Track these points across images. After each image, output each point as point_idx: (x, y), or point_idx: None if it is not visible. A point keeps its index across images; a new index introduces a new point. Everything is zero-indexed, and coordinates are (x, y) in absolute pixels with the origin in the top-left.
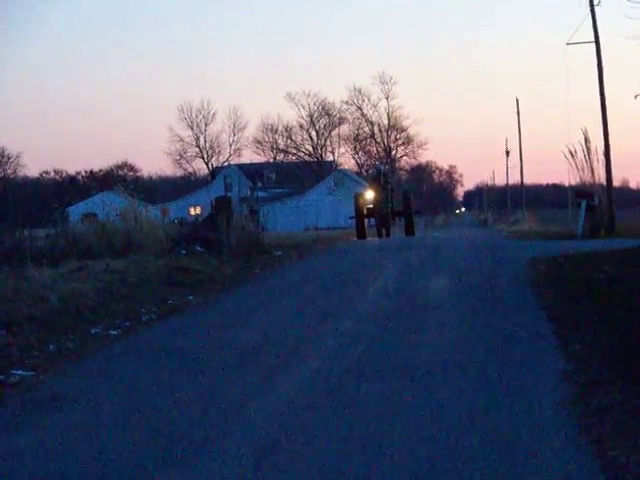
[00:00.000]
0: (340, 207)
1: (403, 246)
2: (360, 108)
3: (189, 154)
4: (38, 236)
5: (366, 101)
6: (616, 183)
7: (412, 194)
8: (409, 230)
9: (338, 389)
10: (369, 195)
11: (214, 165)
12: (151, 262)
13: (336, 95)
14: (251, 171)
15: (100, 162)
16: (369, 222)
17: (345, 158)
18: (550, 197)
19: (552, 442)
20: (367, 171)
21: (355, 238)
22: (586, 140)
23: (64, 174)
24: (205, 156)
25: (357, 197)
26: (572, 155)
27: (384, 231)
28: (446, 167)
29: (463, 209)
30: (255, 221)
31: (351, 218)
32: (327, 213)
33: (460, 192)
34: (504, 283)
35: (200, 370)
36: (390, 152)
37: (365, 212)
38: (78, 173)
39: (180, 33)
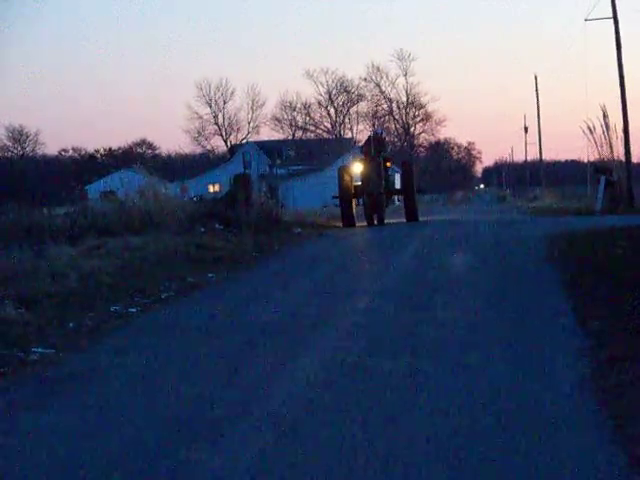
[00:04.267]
0: None
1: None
2: (378, 85)
3: (208, 131)
4: (57, 214)
5: (384, 78)
6: (635, 159)
7: (413, 165)
8: (410, 214)
9: (358, 366)
10: (357, 169)
11: (233, 142)
12: (170, 239)
13: (354, 72)
14: (270, 148)
15: (119, 140)
16: (359, 203)
17: (364, 135)
18: (569, 173)
19: (572, 418)
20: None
21: (340, 225)
22: (605, 116)
23: (83, 152)
24: (224, 133)
25: (341, 171)
26: (591, 131)
27: (375, 216)
28: (465, 144)
29: (482, 186)
30: (274, 198)
31: (334, 198)
32: None
33: (479, 169)
34: (523, 260)
35: (220, 347)
36: (409, 129)
37: (353, 191)
38: (97, 151)
39: (198, 11)
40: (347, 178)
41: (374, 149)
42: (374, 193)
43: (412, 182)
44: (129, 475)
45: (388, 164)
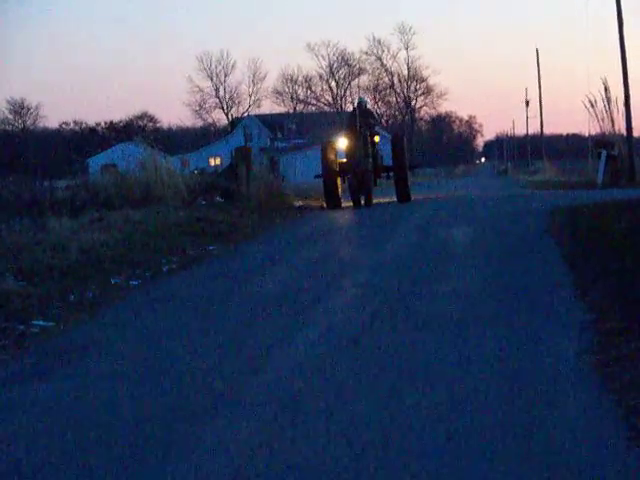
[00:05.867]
0: None
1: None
2: (380, 58)
3: (209, 105)
4: (58, 187)
5: (385, 51)
6: (636, 133)
7: (405, 139)
8: (401, 193)
9: (359, 339)
10: (341, 144)
11: (234, 116)
12: (171, 212)
13: (355, 45)
14: (271, 122)
15: (120, 113)
16: (344, 182)
17: None
18: (570, 147)
19: (573, 391)
20: (387, 122)
21: (325, 206)
22: (606, 90)
23: (84, 125)
24: (225, 107)
25: (325, 147)
26: (592, 105)
27: (362, 197)
28: (466, 117)
29: (483, 159)
30: (275, 171)
31: (317, 177)
32: None
33: (480, 142)
34: (525, 233)
35: (221, 320)
36: (410, 102)
37: (337, 169)
38: (98, 124)
39: None
40: (331, 155)
41: (360, 122)
42: (360, 171)
43: (403, 158)
44: (129, 441)
45: (376, 139)
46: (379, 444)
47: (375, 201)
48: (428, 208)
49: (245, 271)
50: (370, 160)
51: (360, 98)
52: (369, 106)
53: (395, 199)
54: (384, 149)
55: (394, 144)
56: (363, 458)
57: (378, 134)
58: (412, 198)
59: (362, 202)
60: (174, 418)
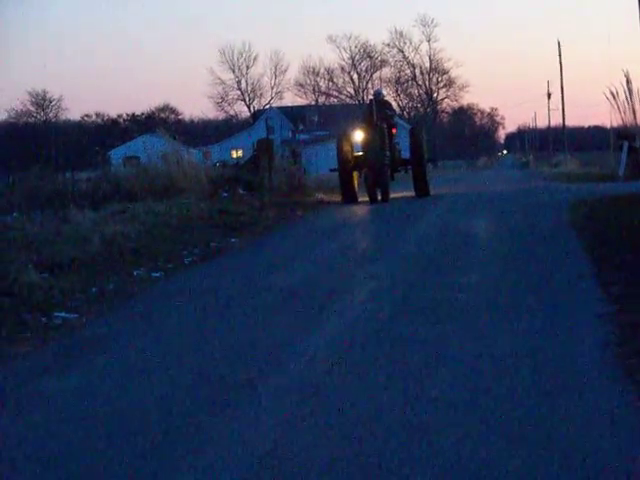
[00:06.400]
0: None
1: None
2: (401, 51)
3: (231, 97)
4: (80, 179)
5: (407, 44)
6: None
7: (424, 132)
8: (419, 187)
9: (380, 331)
10: (357, 137)
11: (256, 108)
12: (193, 204)
13: (377, 37)
14: (293, 114)
15: (142, 105)
16: (361, 176)
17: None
18: (592, 139)
19: (596, 384)
20: (409, 114)
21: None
22: (628, 82)
23: (106, 117)
24: (247, 99)
25: (341, 139)
26: (614, 97)
27: (378, 191)
28: (487, 109)
29: (505, 151)
30: (297, 163)
31: (332, 170)
32: None
33: (502, 135)
34: (546, 225)
35: (242, 312)
36: (431, 95)
37: (353, 162)
38: (120, 116)
39: None
40: (347, 147)
41: (377, 114)
42: (376, 165)
43: (422, 151)
44: (150, 433)
45: (393, 131)
46: (402, 434)
47: (392, 195)
48: (446, 203)
49: (267, 263)
50: (387, 153)
51: (376, 89)
52: (387, 97)
53: (413, 193)
54: (403, 142)
55: (412, 136)
56: (384, 450)
57: (396, 126)
58: (431, 192)
59: (378, 197)
60: (195, 409)
